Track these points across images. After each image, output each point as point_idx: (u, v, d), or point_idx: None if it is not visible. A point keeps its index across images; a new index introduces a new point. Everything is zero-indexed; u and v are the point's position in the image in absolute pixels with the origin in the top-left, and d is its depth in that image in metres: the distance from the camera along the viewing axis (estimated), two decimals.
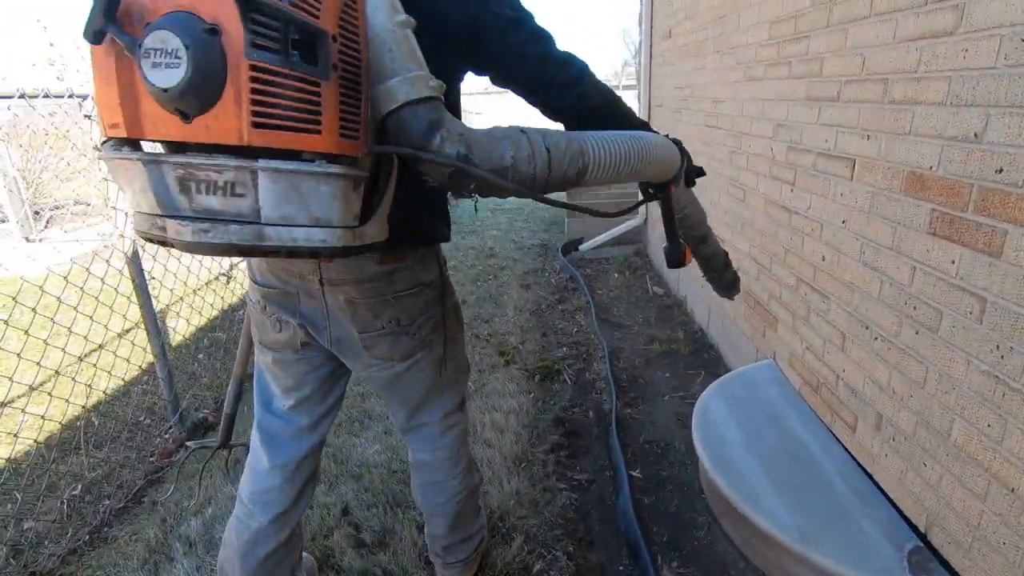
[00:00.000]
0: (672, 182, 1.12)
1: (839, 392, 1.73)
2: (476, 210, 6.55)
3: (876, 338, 1.53)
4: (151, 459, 2.04)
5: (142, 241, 2.04)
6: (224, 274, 3.20)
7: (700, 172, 1.18)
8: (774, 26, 2.08)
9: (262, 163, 0.64)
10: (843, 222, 1.67)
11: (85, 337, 2.28)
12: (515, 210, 6.92)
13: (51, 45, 5.31)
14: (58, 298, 2.11)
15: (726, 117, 2.65)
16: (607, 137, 0.92)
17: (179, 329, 3.10)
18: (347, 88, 0.68)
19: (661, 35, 3.89)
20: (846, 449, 1.70)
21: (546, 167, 0.83)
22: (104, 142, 0.71)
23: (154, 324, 2.03)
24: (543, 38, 0.98)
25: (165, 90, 0.60)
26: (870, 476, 1.59)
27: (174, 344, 3.03)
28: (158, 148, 0.69)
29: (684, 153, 1.11)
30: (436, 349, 1.19)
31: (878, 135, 1.49)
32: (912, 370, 1.38)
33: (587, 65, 1.03)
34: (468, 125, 0.81)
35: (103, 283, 2.13)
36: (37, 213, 5.86)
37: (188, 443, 1.94)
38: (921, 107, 1.32)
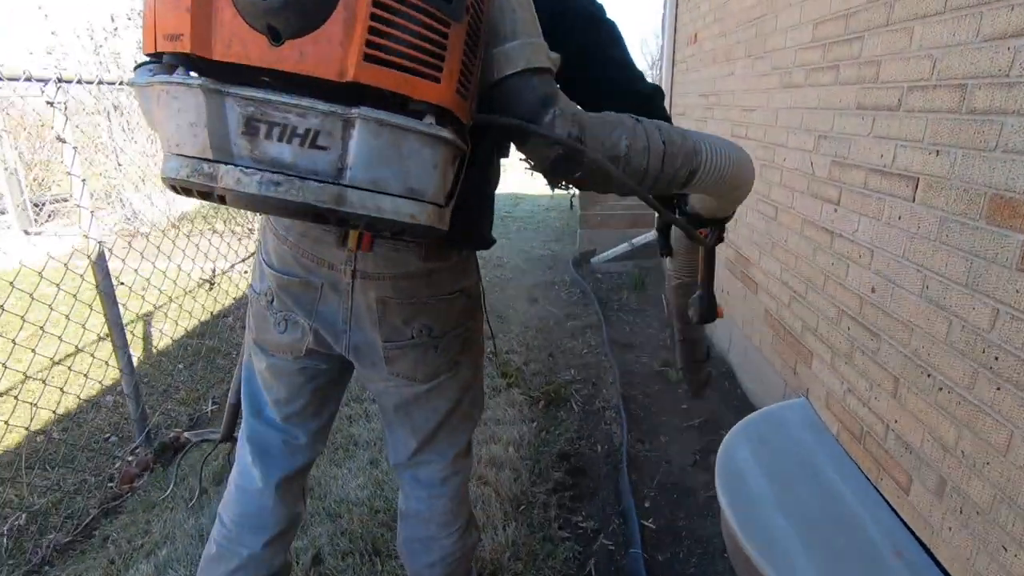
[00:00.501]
0: (729, 218, 1.02)
1: (889, 445, 1.50)
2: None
3: (941, 388, 1.30)
4: (110, 484, 1.85)
5: (109, 243, 1.89)
6: (207, 280, 3.01)
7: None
8: (819, 26, 1.87)
9: (364, 110, 0.53)
10: (901, 249, 1.45)
11: (60, 338, 2.11)
12: (526, 218, 6.72)
13: (52, 34, 5.20)
14: (31, 295, 1.94)
15: (757, 127, 2.43)
16: (716, 141, 0.82)
17: (158, 336, 2.91)
18: (471, 38, 0.59)
19: (685, 40, 3.68)
20: (895, 513, 1.47)
21: (659, 163, 0.75)
22: (141, 65, 0.58)
23: (120, 335, 1.84)
24: (622, 43, 0.91)
25: None
26: (926, 548, 1.35)
27: (155, 350, 2.84)
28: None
29: None
30: (463, 372, 1.04)
31: (951, 150, 1.26)
32: (991, 432, 1.15)
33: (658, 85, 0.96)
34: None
35: (83, 280, 1.95)
36: (37, 206, 5.74)
37: (187, 434, 1.74)
38: (1012, 118, 1.10)
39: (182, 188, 0.57)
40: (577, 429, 2.30)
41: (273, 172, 0.53)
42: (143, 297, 2.33)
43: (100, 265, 1.75)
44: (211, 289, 3.09)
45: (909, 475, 1.41)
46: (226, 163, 0.54)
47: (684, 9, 3.71)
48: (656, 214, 0.92)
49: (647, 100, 0.91)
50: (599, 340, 3.16)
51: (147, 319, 3.03)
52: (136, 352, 2.76)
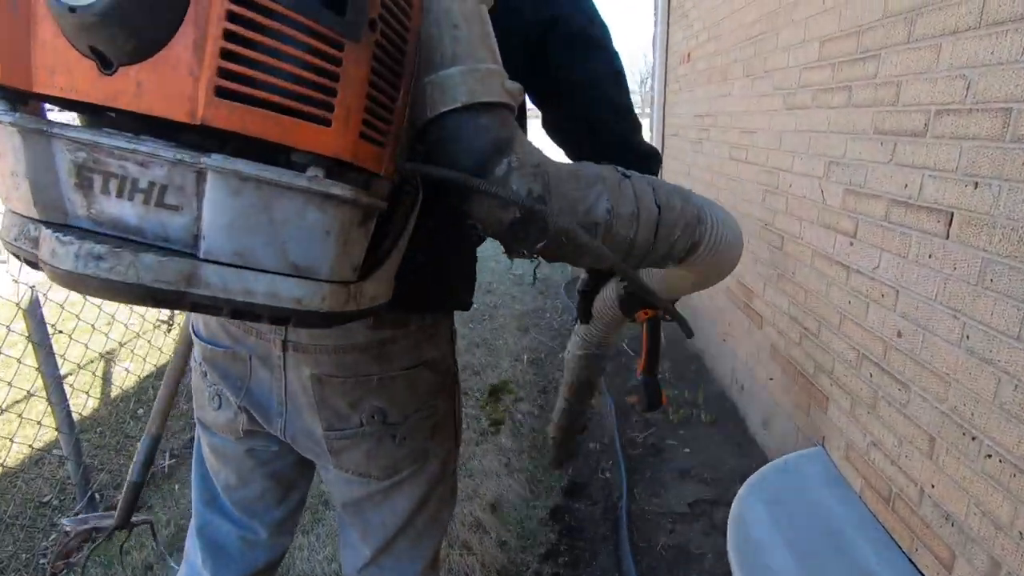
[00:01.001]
0: (678, 299, 0.88)
1: (924, 512, 1.32)
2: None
3: (990, 455, 1.13)
4: (43, 559, 1.63)
5: (48, 286, 1.69)
6: (164, 321, 2.81)
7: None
8: (827, 44, 1.73)
9: (215, 159, 0.39)
10: (933, 292, 1.28)
11: (9, 383, 1.90)
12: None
13: None
14: None
15: (758, 150, 2.28)
16: (716, 208, 0.69)
17: (122, 376, 2.70)
18: (383, 63, 0.45)
19: (677, 59, 3.56)
20: None
21: (652, 233, 0.59)
22: None
23: (58, 390, 1.64)
24: (623, 82, 0.78)
25: (73, 9, 0.35)
26: None
27: (111, 396, 2.63)
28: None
29: None
30: (430, 465, 0.85)
31: (993, 183, 1.11)
32: None
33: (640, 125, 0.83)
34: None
35: (8, 330, 1.74)
36: None
37: (65, 522, 1.48)
38: None
39: (11, 252, 0.45)
40: (571, 478, 2.11)
41: (103, 239, 0.39)
42: (99, 336, 2.12)
43: (33, 312, 1.55)
44: (170, 330, 2.87)
45: (952, 550, 1.23)
46: (53, 225, 0.40)
47: (677, 28, 3.61)
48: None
49: (641, 160, 0.76)
50: None
51: (110, 357, 2.82)
52: (94, 396, 2.55)
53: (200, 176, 0.39)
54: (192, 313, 0.79)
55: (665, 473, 2.15)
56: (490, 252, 5.82)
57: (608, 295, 0.92)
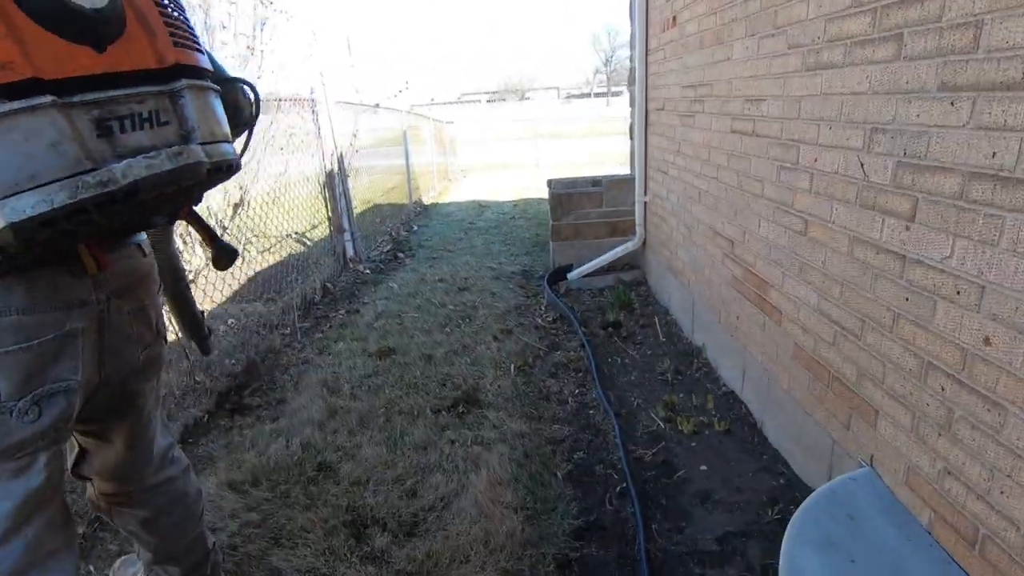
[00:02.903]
0: None
1: None
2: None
3: None
4: None
5: None
6: None
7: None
8: None
9: (185, 83, 0.73)
10: None
11: None
12: (491, 229, 6.22)
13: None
14: None
15: (770, 121, 1.98)
16: None
17: None
18: None
19: (660, 24, 3.24)
20: None
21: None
22: None
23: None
24: None
25: (99, 10, 0.64)
26: None
27: None
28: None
29: None
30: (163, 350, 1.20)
31: None
32: None
33: None
34: None
35: None
36: None
37: None
38: None
39: (42, 223, 0.61)
40: (577, 515, 1.81)
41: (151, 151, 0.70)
42: None
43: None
44: None
45: None
46: (111, 162, 0.66)
47: None
48: None
49: None
50: (586, 377, 2.69)
51: None
52: None
53: (172, 97, 0.73)
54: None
55: (683, 498, 1.87)
56: (463, 244, 5.48)
57: None
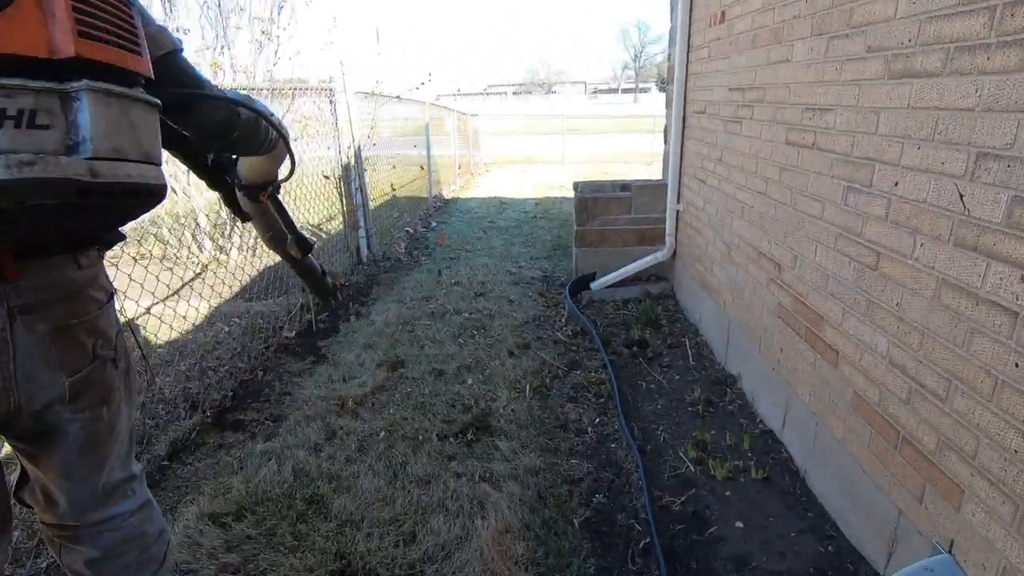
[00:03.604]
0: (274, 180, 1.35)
1: None
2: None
3: None
4: None
5: None
6: None
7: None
8: None
9: (84, 83, 0.58)
10: None
11: None
12: (512, 228, 6.00)
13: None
14: None
15: (835, 135, 1.73)
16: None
17: None
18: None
19: (706, 20, 2.97)
20: None
21: (261, 130, 1.15)
22: None
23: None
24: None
25: None
26: None
27: None
28: None
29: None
30: (132, 377, 1.07)
31: None
32: None
33: None
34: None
35: None
36: None
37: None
38: None
39: None
40: (595, 574, 1.59)
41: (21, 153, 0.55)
42: None
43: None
44: None
45: None
46: None
47: None
48: None
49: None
50: (608, 403, 2.46)
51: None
52: None
53: (64, 98, 0.58)
54: None
55: (717, 562, 1.64)
56: (482, 245, 5.26)
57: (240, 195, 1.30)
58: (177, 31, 3.47)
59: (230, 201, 1.33)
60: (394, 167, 5.80)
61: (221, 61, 3.42)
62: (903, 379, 1.45)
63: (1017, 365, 1.10)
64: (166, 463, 2.04)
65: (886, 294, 1.51)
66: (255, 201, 1.30)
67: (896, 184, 1.45)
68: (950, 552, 1.29)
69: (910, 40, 1.39)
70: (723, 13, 2.71)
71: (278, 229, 1.38)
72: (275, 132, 1.14)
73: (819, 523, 1.78)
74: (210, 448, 2.14)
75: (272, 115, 1.11)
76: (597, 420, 2.37)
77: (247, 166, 1.27)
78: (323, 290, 1.55)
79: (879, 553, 1.57)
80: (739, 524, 1.79)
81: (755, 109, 2.36)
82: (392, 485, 1.91)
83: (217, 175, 1.26)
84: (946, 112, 1.27)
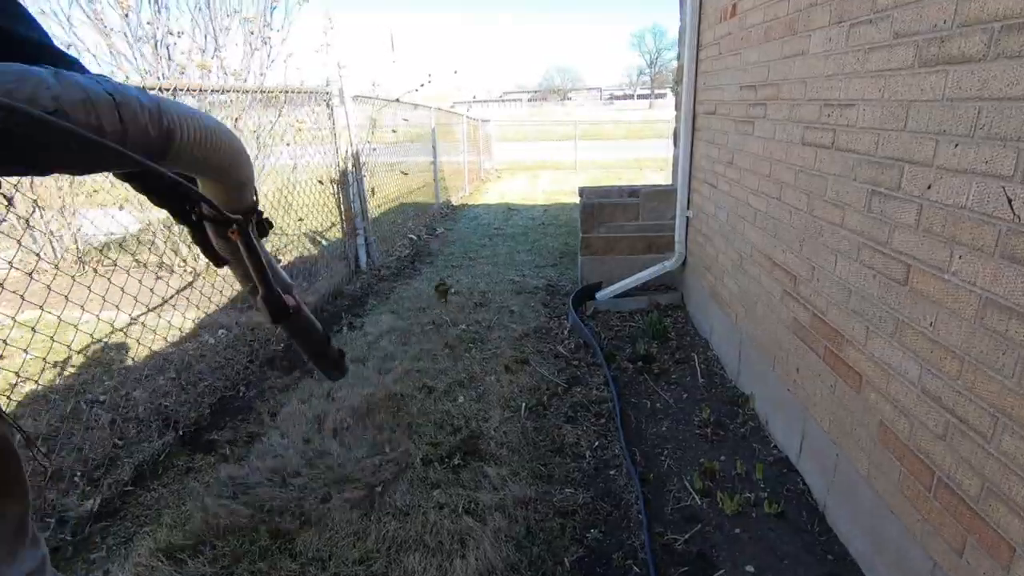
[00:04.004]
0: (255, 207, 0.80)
1: None
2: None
3: None
4: None
5: None
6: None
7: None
8: None
9: None
10: None
11: None
12: (519, 236, 5.84)
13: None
14: None
15: (859, 131, 1.55)
16: (167, 99, 0.61)
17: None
18: None
19: (716, 14, 2.80)
20: None
21: (116, 118, 0.53)
22: None
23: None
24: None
25: None
26: None
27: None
28: None
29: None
30: None
31: None
32: None
33: None
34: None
35: None
36: None
37: None
38: None
39: None
40: None
41: None
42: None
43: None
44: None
45: None
46: None
47: None
48: None
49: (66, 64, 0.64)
50: (609, 424, 2.28)
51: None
52: None
53: None
54: None
55: None
56: (486, 252, 5.09)
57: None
58: (170, 34, 3.38)
59: (199, 239, 0.91)
60: (398, 173, 5.68)
61: (211, 63, 3.31)
62: (938, 410, 1.25)
63: None
64: (129, 488, 1.91)
65: (918, 313, 1.32)
66: (222, 239, 0.86)
67: (929, 187, 1.27)
68: None
69: (945, 22, 1.20)
70: (734, 6, 2.53)
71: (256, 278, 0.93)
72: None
73: (841, 568, 1.58)
74: (178, 471, 2.01)
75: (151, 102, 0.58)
76: (596, 443, 2.19)
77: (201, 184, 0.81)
78: (323, 360, 1.14)
79: None
80: (750, 568, 1.60)
81: (768, 107, 2.18)
82: (367, 517, 1.75)
83: (173, 200, 0.86)
84: (990, 103, 1.09)
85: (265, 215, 0.87)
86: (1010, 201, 1.04)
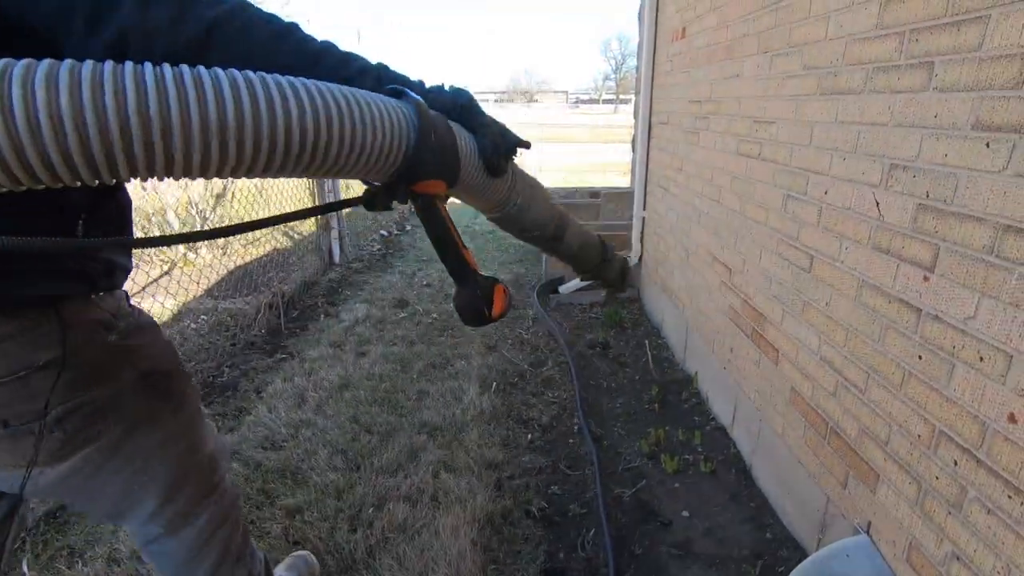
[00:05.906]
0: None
1: None
2: None
3: None
4: None
5: None
6: None
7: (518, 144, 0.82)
8: (891, 6, 1.28)
9: None
10: None
11: None
12: (487, 234, 6.07)
13: None
14: None
15: (778, 145, 1.85)
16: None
17: None
18: None
19: (669, 35, 3.10)
20: None
21: None
22: None
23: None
24: None
25: None
26: None
27: None
28: None
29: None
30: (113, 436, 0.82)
31: None
32: None
33: None
34: None
35: None
36: None
37: None
38: None
39: None
40: (546, 559, 1.67)
41: None
42: None
43: None
44: None
45: None
46: None
47: None
48: None
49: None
50: (569, 401, 2.54)
51: None
52: None
53: None
54: None
55: (662, 548, 1.73)
56: (478, 244, 5.29)
57: None
58: None
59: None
60: None
61: None
62: (831, 373, 1.55)
63: (920, 358, 1.21)
64: None
65: (818, 295, 1.62)
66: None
67: (826, 192, 1.57)
68: (868, 533, 1.40)
69: (838, 60, 1.50)
70: (684, 29, 2.83)
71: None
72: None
73: (760, 514, 1.88)
74: None
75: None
76: (558, 417, 2.44)
77: None
78: (610, 279, 1.26)
79: (811, 537, 1.67)
80: (685, 513, 1.88)
81: (711, 120, 2.49)
82: (356, 472, 1.96)
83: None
84: (866, 127, 1.39)
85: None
86: (877, 204, 1.34)
